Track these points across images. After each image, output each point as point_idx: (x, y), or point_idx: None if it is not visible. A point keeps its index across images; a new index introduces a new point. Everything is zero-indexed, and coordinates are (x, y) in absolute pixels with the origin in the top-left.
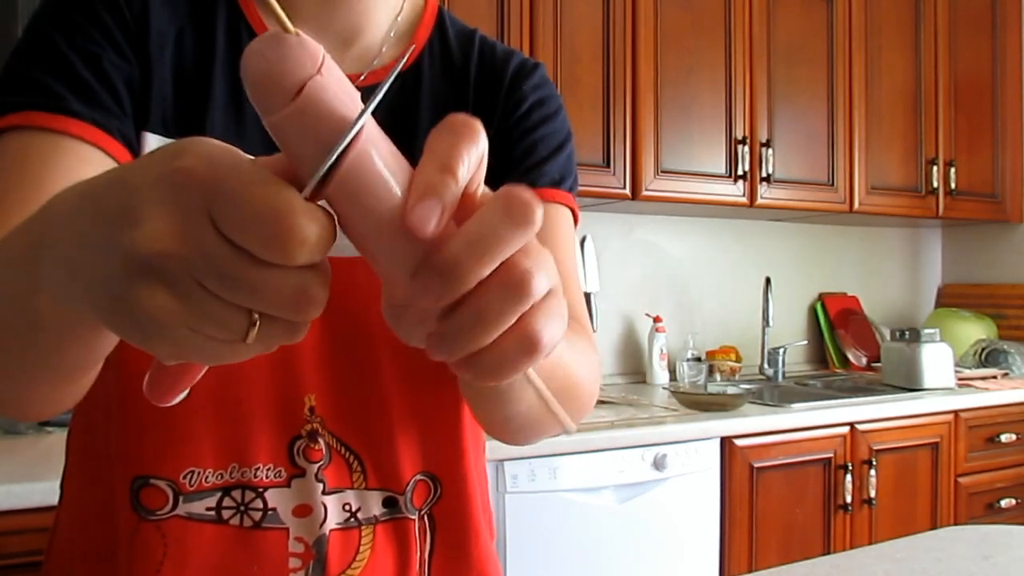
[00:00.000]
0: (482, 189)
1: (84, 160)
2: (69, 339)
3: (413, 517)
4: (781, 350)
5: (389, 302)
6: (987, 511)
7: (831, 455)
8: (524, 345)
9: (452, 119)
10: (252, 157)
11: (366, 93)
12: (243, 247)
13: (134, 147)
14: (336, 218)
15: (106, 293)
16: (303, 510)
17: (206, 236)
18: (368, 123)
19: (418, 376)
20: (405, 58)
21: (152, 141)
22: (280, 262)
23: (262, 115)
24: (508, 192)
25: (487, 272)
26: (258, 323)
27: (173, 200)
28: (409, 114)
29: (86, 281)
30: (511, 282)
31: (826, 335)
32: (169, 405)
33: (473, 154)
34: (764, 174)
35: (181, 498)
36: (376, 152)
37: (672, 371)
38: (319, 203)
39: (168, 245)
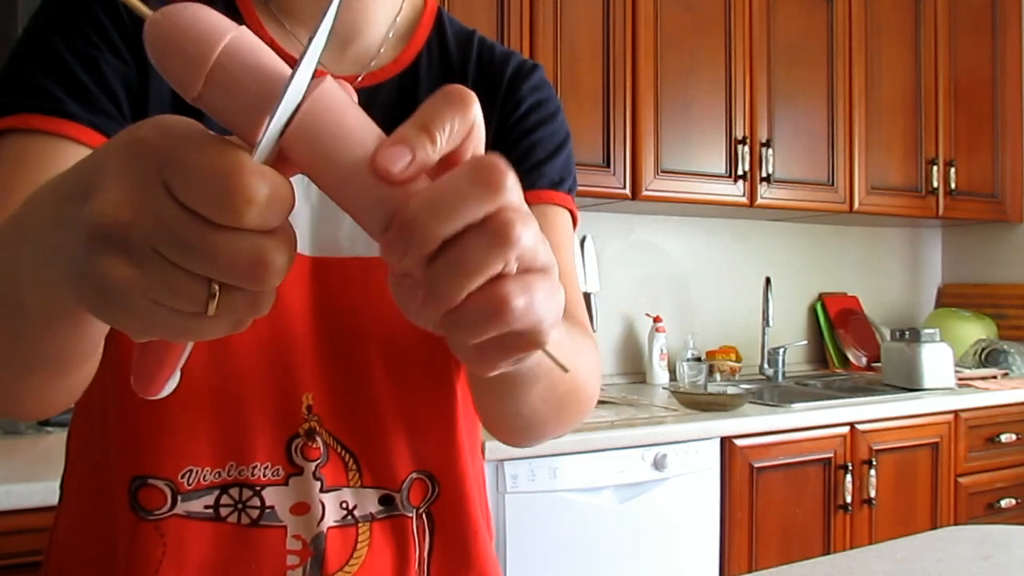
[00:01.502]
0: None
1: None
2: (54, 326)
3: (410, 515)
4: (781, 350)
5: (391, 273)
6: (987, 511)
7: (831, 455)
8: (492, 304)
9: (446, 89)
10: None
11: (364, 95)
12: (195, 210)
13: None
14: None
15: (74, 269)
16: (301, 508)
17: (160, 202)
18: (328, 81)
19: (411, 376)
20: None
21: None
22: (230, 223)
23: (189, 72)
24: (478, 157)
25: (450, 230)
26: (218, 294)
27: (128, 169)
28: (407, 114)
29: (59, 261)
30: (488, 229)
31: (826, 335)
32: (159, 397)
33: (457, 122)
34: (764, 174)
35: (179, 497)
36: (332, 99)
37: (672, 371)
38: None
39: (123, 213)
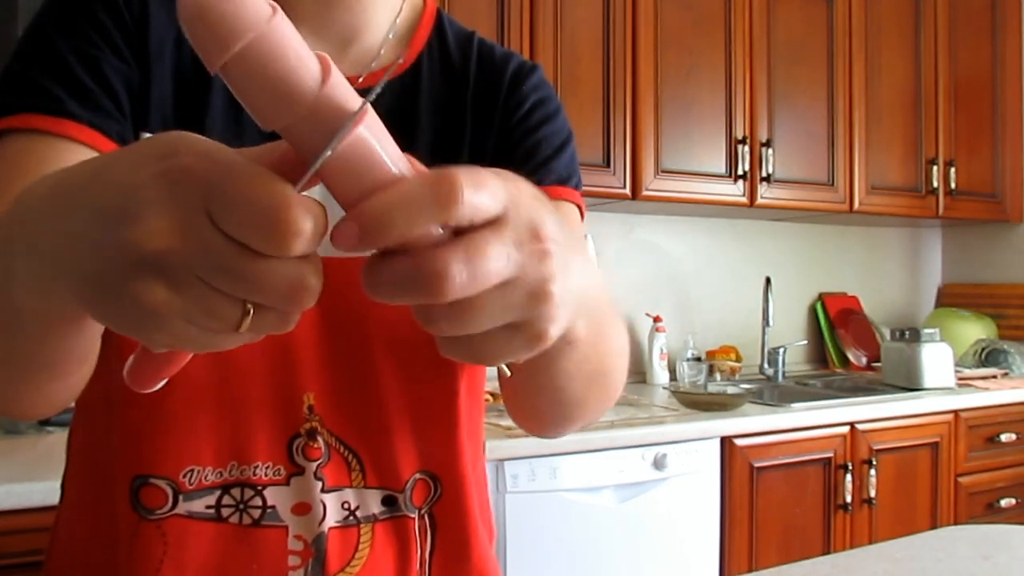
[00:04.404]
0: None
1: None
2: (51, 332)
3: (413, 516)
4: (781, 350)
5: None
6: (987, 511)
7: (831, 455)
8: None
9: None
10: (243, 148)
11: (364, 95)
12: (241, 241)
13: None
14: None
15: (99, 288)
16: (302, 508)
17: (205, 232)
18: (371, 115)
19: (416, 375)
20: (392, 69)
21: None
22: (278, 254)
23: (205, 60)
24: (441, 172)
25: (398, 235)
26: (252, 313)
27: (172, 198)
28: (408, 116)
29: (74, 276)
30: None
31: (826, 335)
32: (150, 391)
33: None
34: (764, 174)
35: (181, 497)
36: (372, 134)
37: (672, 371)
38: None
39: (169, 242)
